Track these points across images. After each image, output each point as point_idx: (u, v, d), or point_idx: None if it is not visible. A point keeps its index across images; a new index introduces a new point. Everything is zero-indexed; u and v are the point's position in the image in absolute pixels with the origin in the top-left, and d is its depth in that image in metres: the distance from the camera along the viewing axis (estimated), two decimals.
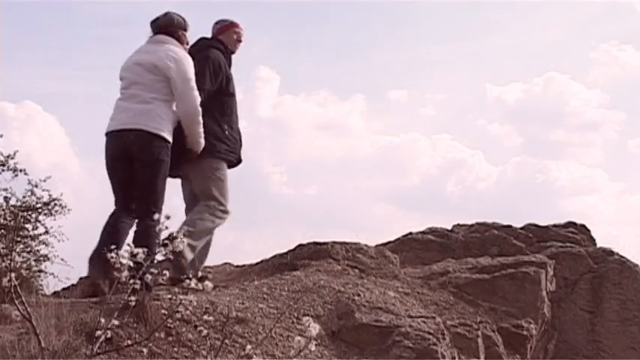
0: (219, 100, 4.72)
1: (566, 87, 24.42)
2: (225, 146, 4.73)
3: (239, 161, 4.88)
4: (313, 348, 2.02)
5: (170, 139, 4.30)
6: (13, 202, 8.65)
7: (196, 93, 4.37)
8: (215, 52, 4.77)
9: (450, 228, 6.40)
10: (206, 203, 4.65)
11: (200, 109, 4.40)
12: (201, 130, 4.45)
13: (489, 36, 27.49)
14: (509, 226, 6.29)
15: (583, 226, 6.48)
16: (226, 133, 4.74)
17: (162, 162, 4.24)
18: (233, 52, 4.96)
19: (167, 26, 4.51)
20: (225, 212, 4.67)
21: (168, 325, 3.27)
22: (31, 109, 21.56)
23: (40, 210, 8.89)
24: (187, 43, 4.64)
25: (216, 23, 4.99)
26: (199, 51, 4.74)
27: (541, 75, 29.74)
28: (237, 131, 4.86)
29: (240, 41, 4.97)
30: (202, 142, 4.49)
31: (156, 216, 3.44)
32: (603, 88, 27.06)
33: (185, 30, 4.60)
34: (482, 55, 27.95)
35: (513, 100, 25.17)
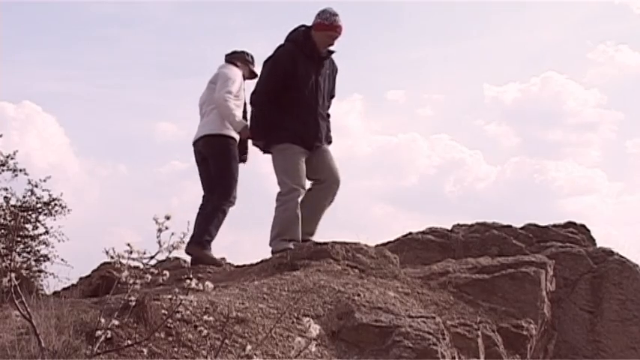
0: (284, 95, 5.21)
1: (563, 87, 24.43)
2: (288, 132, 5.23)
3: (312, 139, 5.30)
4: (314, 349, 2.02)
5: (228, 132, 5.39)
6: (13, 202, 8.66)
7: (225, 94, 5.32)
8: (280, 52, 5.28)
9: (449, 228, 6.40)
10: (278, 193, 5.27)
11: (228, 105, 5.31)
12: (234, 118, 5.32)
13: (486, 36, 27.50)
14: (509, 226, 6.28)
15: (583, 226, 6.47)
16: (290, 123, 5.22)
17: (222, 152, 5.40)
18: (319, 54, 5.30)
19: (229, 56, 5.68)
20: (292, 191, 5.20)
21: (168, 325, 3.27)
22: (31, 110, 21.56)
23: (40, 210, 8.90)
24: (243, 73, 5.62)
25: (319, 15, 5.24)
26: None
27: (538, 75, 29.78)
28: (304, 121, 5.23)
29: (331, 44, 5.30)
30: (237, 123, 5.33)
31: (226, 197, 5.38)
32: (601, 88, 27.09)
33: (244, 61, 5.65)
34: (480, 55, 27.95)
35: (511, 100, 25.18)
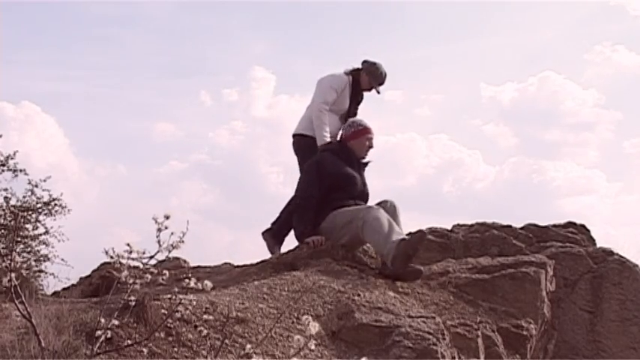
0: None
1: (561, 87, 24.48)
2: None
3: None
4: (313, 347, 2.02)
5: (312, 133, 5.61)
6: (13, 202, 8.65)
7: (321, 104, 5.61)
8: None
9: (449, 228, 6.40)
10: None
11: (320, 116, 5.58)
12: (320, 132, 5.52)
13: (483, 36, 27.64)
14: (509, 226, 6.28)
15: (583, 226, 6.47)
16: None
17: (303, 152, 5.61)
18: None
19: (362, 64, 5.85)
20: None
21: (168, 325, 3.27)
22: (30, 110, 21.61)
23: (40, 210, 8.89)
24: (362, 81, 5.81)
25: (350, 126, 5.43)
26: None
27: (536, 75, 29.87)
28: None
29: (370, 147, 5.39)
30: (321, 138, 5.49)
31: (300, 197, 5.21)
32: (598, 88, 27.15)
33: (367, 71, 5.77)
34: (477, 55, 28.06)
35: (508, 99, 25.21)
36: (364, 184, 5.29)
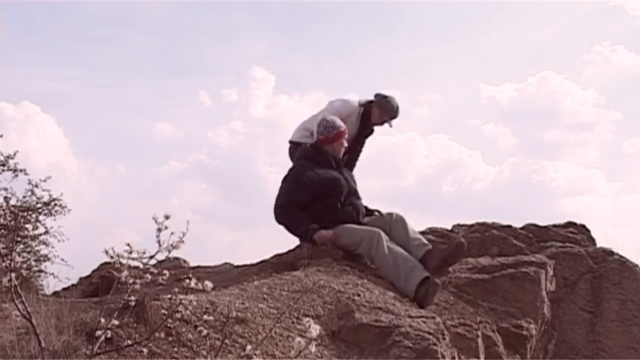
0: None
1: (560, 86, 24.50)
2: None
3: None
4: (314, 349, 2.01)
5: (302, 140, 5.52)
6: (13, 202, 8.65)
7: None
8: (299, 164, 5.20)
9: (449, 228, 6.39)
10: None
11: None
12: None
13: (482, 36, 27.66)
14: (509, 226, 6.28)
15: (583, 226, 6.47)
16: None
17: (293, 158, 5.54)
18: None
19: (374, 96, 5.82)
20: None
21: (168, 325, 3.27)
22: (30, 110, 21.62)
23: (40, 210, 8.89)
24: (372, 119, 5.83)
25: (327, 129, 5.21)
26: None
27: (535, 75, 29.90)
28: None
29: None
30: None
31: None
32: (598, 88, 27.17)
33: (378, 106, 5.76)
34: (476, 55, 28.09)
35: (507, 99, 25.23)
36: (347, 179, 5.20)
